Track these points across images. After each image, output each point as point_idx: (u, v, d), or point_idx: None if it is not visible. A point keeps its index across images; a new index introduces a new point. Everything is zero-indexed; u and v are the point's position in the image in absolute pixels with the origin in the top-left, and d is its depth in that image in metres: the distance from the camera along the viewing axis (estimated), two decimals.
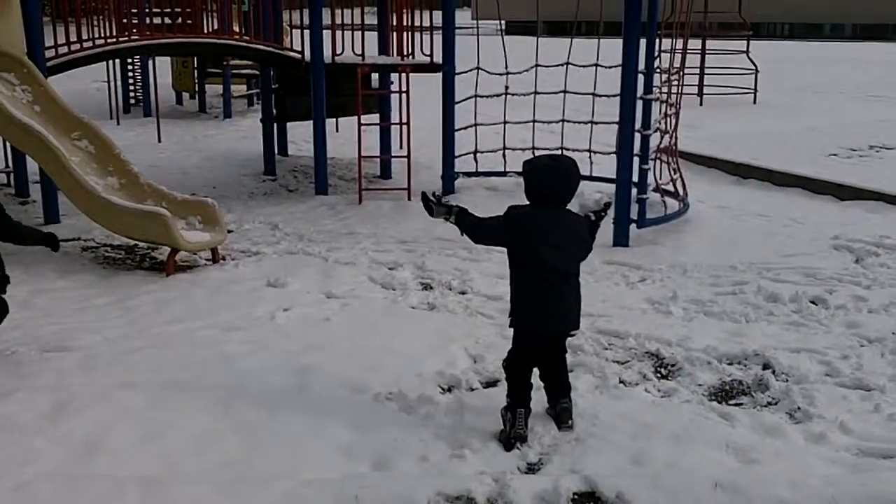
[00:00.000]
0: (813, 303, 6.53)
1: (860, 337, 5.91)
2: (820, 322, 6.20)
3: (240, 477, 4.13)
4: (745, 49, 17.72)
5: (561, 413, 4.69)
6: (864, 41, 46.48)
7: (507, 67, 9.78)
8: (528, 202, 4.54)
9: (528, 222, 4.45)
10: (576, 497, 4.00)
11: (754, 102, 17.56)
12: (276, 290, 6.83)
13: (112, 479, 4.09)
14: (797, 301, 6.53)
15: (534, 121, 10.11)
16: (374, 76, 10.88)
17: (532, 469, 4.30)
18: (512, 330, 4.64)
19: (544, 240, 4.40)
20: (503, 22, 10.89)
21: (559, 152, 9.91)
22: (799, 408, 4.90)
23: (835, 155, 12.25)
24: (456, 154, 9.88)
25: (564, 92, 9.84)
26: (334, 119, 11.73)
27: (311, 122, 9.85)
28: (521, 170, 4.64)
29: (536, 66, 9.83)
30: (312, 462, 4.29)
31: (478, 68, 9.82)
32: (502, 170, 10.11)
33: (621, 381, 5.26)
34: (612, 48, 7.94)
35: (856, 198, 9.80)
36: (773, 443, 4.51)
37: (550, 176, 4.50)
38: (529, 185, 4.53)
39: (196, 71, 16.93)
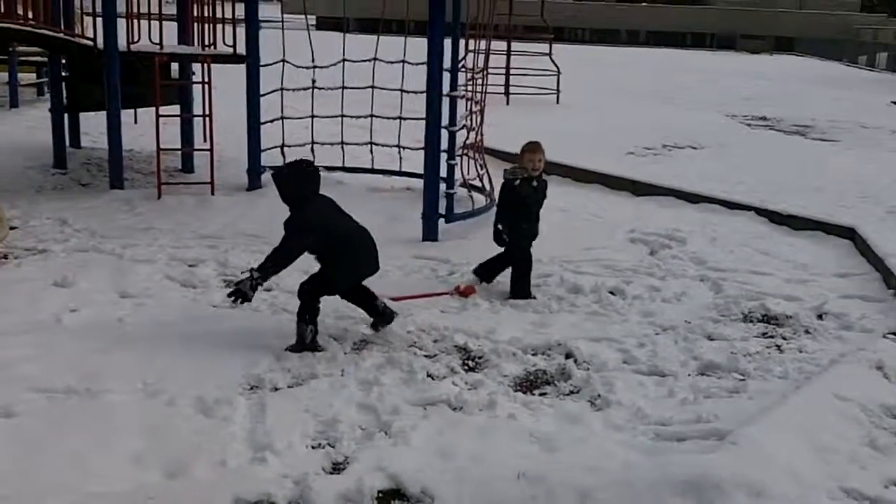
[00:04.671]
0: (612, 293, 6.74)
1: (655, 325, 6.14)
2: (618, 311, 6.41)
3: (13, 493, 3.76)
4: (548, 52, 18.26)
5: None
6: (656, 47, 49.16)
7: (314, 60, 9.59)
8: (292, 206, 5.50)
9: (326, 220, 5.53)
10: (380, 495, 3.90)
11: (557, 102, 18.14)
12: (64, 289, 6.35)
13: None
14: (597, 292, 6.72)
15: (342, 115, 9.96)
16: (175, 66, 10.39)
17: (337, 468, 4.17)
18: None
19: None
20: (313, 17, 10.67)
21: (368, 147, 9.88)
22: (599, 395, 5.01)
23: (631, 153, 12.80)
24: (263, 147, 9.59)
25: (372, 87, 9.76)
26: (133, 110, 11.13)
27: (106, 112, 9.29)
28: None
29: (344, 60, 9.70)
30: (99, 474, 3.98)
31: (283, 61, 9.58)
32: None
33: (429, 375, 5.22)
34: (421, 46, 7.92)
35: (650, 193, 10.25)
36: (574, 430, 4.59)
37: (300, 178, 5.54)
38: (289, 194, 5.52)
39: None
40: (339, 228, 5.56)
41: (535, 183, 6.77)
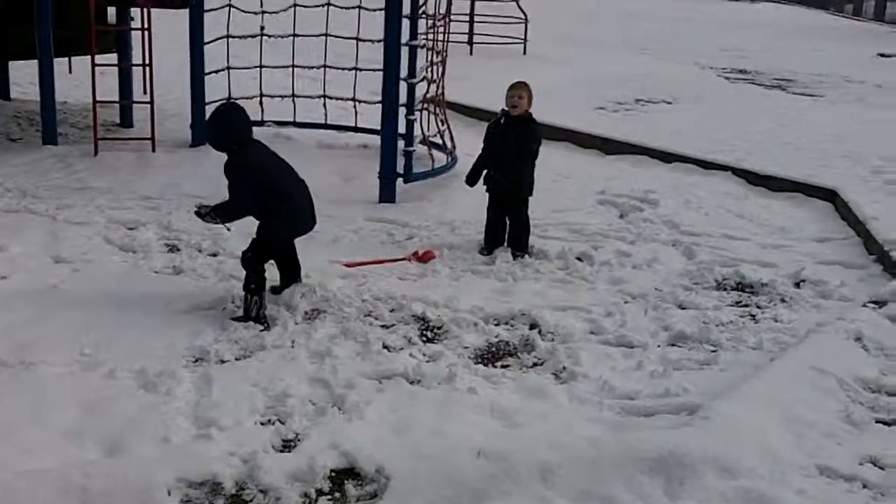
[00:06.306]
0: (579, 259, 6.80)
1: (624, 293, 6.22)
2: (585, 279, 6.48)
3: None
4: None
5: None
6: None
7: (262, 6, 9.48)
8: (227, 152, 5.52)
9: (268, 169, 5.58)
10: (333, 474, 3.94)
11: (524, 53, 18.09)
12: None
13: None
14: (564, 258, 6.78)
15: (293, 65, 9.88)
16: (111, 10, 10.21)
17: (287, 446, 4.20)
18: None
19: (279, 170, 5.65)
20: None
21: (321, 101, 9.82)
22: (564, 367, 5.08)
23: (602, 108, 12.84)
24: (207, 101, 9.49)
25: (326, 35, 9.68)
26: (67, 58, 10.95)
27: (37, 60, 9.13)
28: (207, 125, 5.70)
29: (295, 5, 9.60)
30: (33, 450, 3.98)
31: (230, 6, 9.46)
32: (260, 119, 9.81)
33: (385, 346, 5.25)
34: None
35: (621, 152, 10.31)
36: (537, 404, 4.65)
37: (237, 118, 5.56)
38: (219, 136, 5.55)
39: None
40: (280, 173, 5.61)
41: (501, 121, 6.85)
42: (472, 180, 7.07)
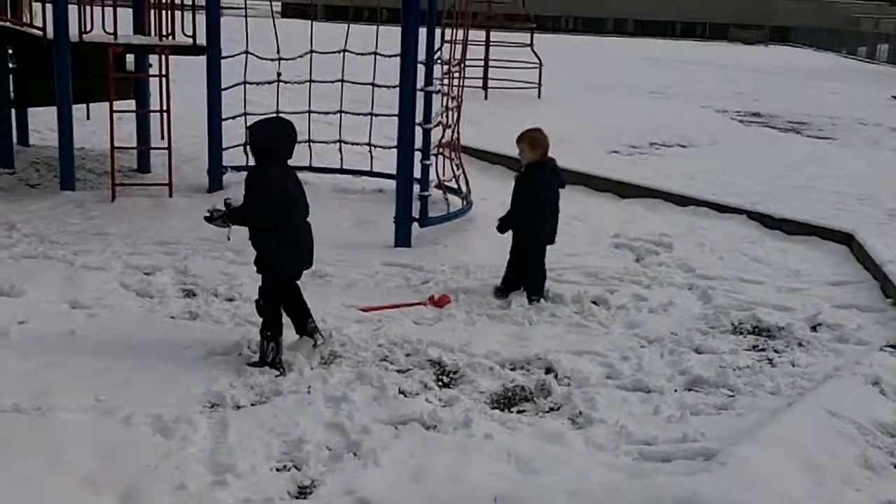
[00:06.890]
0: (595, 303, 6.81)
1: (640, 337, 6.22)
2: (601, 323, 6.48)
3: None
4: (529, 42, 18.35)
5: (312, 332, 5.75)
6: (644, 37, 49.49)
7: (279, 52, 9.60)
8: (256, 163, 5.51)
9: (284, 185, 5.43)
10: None
11: (539, 97, 18.24)
12: (11, 299, 6.35)
13: None
14: (579, 301, 6.79)
15: (309, 111, 9.98)
16: (130, 58, 10.38)
17: (303, 492, 4.20)
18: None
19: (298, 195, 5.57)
20: (279, 4, 10.69)
21: (337, 146, 9.93)
22: (580, 412, 5.07)
23: (616, 152, 12.91)
24: (224, 146, 9.59)
25: (342, 81, 9.79)
26: (85, 105, 11.10)
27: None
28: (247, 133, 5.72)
29: (311, 51, 9.71)
30: (49, 498, 4.00)
31: (246, 52, 9.59)
32: None
33: (401, 392, 5.25)
34: (394, 37, 7.97)
35: (636, 195, 10.34)
36: (554, 450, 4.64)
37: (281, 132, 5.48)
38: (259, 143, 5.47)
39: None
40: (297, 203, 5.52)
41: (522, 169, 7.02)
42: (501, 228, 7.10)
